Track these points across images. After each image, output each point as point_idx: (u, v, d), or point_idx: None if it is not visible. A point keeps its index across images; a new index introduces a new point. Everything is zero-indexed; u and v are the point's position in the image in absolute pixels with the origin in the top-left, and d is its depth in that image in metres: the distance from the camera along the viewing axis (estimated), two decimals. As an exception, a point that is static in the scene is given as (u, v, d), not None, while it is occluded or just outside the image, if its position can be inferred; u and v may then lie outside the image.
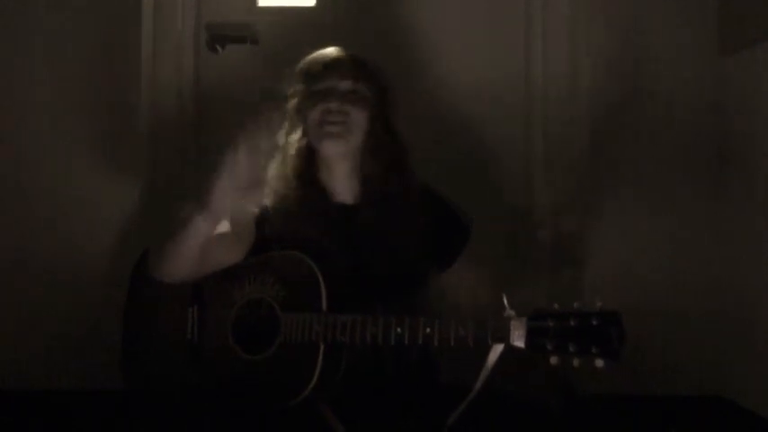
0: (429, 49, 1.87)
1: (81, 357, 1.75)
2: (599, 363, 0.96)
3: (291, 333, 1.13)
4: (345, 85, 1.26)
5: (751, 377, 1.71)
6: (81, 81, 1.81)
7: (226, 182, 1.11)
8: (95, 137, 1.81)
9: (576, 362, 0.98)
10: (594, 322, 0.97)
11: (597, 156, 1.84)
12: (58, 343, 1.78)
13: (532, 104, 1.87)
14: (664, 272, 1.82)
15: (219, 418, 1.10)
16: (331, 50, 1.31)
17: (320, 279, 1.14)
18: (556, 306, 1.01)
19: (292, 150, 1.29)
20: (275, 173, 1.28)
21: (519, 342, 1.01)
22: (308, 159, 1.29)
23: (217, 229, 1.18)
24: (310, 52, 1.33)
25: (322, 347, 1.11)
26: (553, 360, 0.98)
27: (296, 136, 1.30)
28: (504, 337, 1.02)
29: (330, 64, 1.29)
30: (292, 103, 1.30)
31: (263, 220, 1.27)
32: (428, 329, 1.06)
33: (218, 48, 1.83)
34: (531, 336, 1.00)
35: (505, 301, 1.04)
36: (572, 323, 0.98)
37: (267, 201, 1.27)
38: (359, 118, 1.26)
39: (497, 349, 1.04)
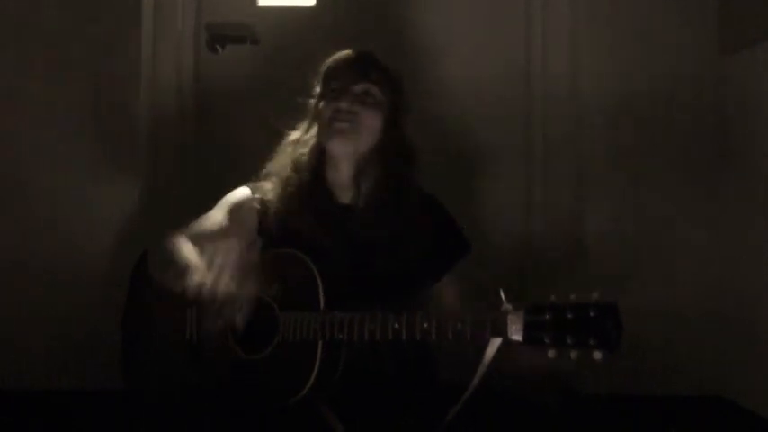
0: (429, 48, 1.87)
1: (81, 357, 1.75)
2: (597, 355, 0.96)
3: (290, 332, 1.13)
4: (359, 86, 1.27)
5: (751, 377, 1.71)
6: (81, 81, 1.81)
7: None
8: (95, 137, 1.81)
9: (573, 354, 0.97)
10: (592, 314, 0.97)
11: (597, 156, 1.84)
12: (58, 343, 1.78)
13: (532, 104, 1.87)
14: (664, 272, 1.82)
15: (219, 418, 1.10)
16: (351, 51, 1.32)
17: (318, 278, 1.14)
18: (553, 298, 1.01)
19: (305, 148, 1.30)
20: (284, 168, 1.30)
21: (516, 336, 1.01)
22: (318, 158, 1.30)
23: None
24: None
25: (320, 346, 1.11)
26: (551, 353, 0.98)
27: (310, 134, 1.31)
28: (501, 331, 1.02)
29: (346, 64, 1.30)
30: (313, 101, 1.32)
31: (265, 214, 1.28)
32: (425, 325, 1.06)
33: (218, 48, 1.84)
34: (528, 329, 1.00)
35: (503, 296, 1.04)
36: (569, 315, 0.98)
37: (272, 195, 1.28)
38: (369, 120, 1.27)
39: (495, 343, 1.04)
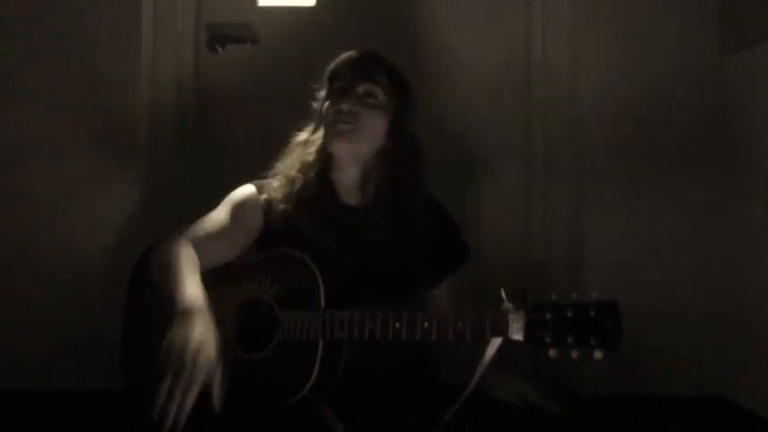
0: (429, 48, 1.87)
1: (81, 357, 1.75)
2: (598, 354, 0.96)
3: (290, 331, 1.13)
4: (361, 87, 1.27)
5: (751, 377, 1.71)
6: (81, 81, 1.81)
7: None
8: (95, 137, 1.81)
9: (574, 354, 0.97)
10: (592, 313, 0.97)
11: (597, 156, 1.84)
12: (58, 343, 1.78)
13: (532, 104, 1.87)
14: (664, 272, 1.82)
15: (219, 418, 1.09)
16: (356, 52, 1.31)
17: (319, 278, 1.14)
18: (553, 297, 1.01)
19: (311, 148, 1.30)
20: (291, 168, 1.30)
21: (517, 335, 1.01)
22: (324, 159, 1.29)
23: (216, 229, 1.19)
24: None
25: (321, 346, 1.11)
26: (552, 353, 0.98)
27: (317, 135, 1.31)
28: (502, 330, 1.02)
29: (349, 65, 1.30)
30: (319, 102, 1.32)
31: (271, 212, 1.28)
32: (426, 324, 1.06)
33: (218, 48, 1.84)
34: (529, 329, 1.00)
35: (504, 295, 1.04)
36: (570, 315, 0.98)
37: (278, 194, 1.28)
38: (371, 121, 1.26)
39: (495, 343, 1.04)
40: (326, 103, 1.29)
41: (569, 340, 0.97)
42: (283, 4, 1.87)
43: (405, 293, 1.23)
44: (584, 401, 1.51)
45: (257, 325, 1.17)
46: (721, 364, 1.79)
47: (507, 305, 1.02)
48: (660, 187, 1.84)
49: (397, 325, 1.07)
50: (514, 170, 1.87)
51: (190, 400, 0.98)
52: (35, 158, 1.81)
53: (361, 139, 1.26)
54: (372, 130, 1.27)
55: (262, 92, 1.85)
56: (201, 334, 1.03)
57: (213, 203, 1.32)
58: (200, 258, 1.21)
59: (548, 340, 0.98)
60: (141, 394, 1.26)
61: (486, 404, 1.12)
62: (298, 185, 1.28)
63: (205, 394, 1.03)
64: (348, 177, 1.30)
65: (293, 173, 1.29)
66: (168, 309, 1.08)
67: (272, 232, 1.27)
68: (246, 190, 1.32)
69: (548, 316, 0.99)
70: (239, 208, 1.30)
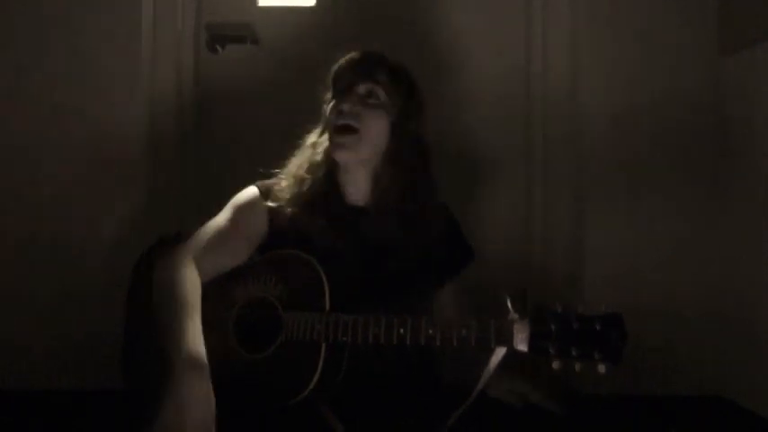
0: (429, 49, 1.87)
1: (81, 357, 1.75)
2: (601, 368, 0.96)
3: (293, 332, 1.13)
4: (362, 87, 1.26)
5: (751, 377, 1.71)
6: (81, 81, 1.81)
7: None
8: (95, 137, 1.81)
9: (578, 366, 0.97)
10: (598, 327, 0.97)
11: (597, 156, 1.84)
12: (58, 343, 1.78)
13: (532, 104, 1.87)
14: (664, 272, 1.82)
15: (220, 418, 1.09)
16: (358, 52, 1.30)
17: (324, 279, 1.14)
18: (559, 309, 1.00)
19: (319, 149, 1.30)
20: (300, 169, 1.29)
21: (522, 346, 1.00)
22: (331, 160, 1.28)
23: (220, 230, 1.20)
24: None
25: (323, 347, 1.11)
26: (555, 364, 0.98)
27: (324, 136, 1.30)
28: (507, 340, 1.01)
29: (350, 65, 1.28)
30: (325, 103, 1.32)
31: (277, 214, 1.27)
32: (430, 330, 1.05)
33: (218, 48, 1.84)
34: (534, 339, 0.99)
35: (509, 304, 1.03)
36: (575, 327, 0.97)
37: (285, 194, 1.27)
38: (373, 122, 1.25)
39: (500, 352, 1.04)
40: (330, 105, 1.29)
41: (573, 353, 0.97)
42: (283, 4, 1.87)
43: (409, 294, 1.23)
44: (585, 401, 1.51)
45: (261, 325, 1.17)
46: (721, 364, 1.79)
47: (513, 315, 1.02)
48: (660, 187, 1.84)
49: (402, 330, 1.07)
50: (514, 170, 1.87)
51: None
52: (35, 158, 1.81)
53: (361, 144, 1.24)
54: (374, 130, 1.26)
55: (262, 92, 1.85)
56: (198, 400, 1.02)
57: (213, 203, 1.32)
58: (203, 270, 1.20)
59: (552, 351, 0.98)
60: (141, 394, 1.27)
61: (487, 406, 1.12)
62: (306, 186, 1.27)
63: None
64: (355, 178, 1.30)
65: (302, 173, 1.29)
66: (165, 357, 1.06)
67: (278, 237, 1.26)
68: (250, 194, 1.30)
69: (552, 327, 0.98)
70: (242, 215, 1.28)
